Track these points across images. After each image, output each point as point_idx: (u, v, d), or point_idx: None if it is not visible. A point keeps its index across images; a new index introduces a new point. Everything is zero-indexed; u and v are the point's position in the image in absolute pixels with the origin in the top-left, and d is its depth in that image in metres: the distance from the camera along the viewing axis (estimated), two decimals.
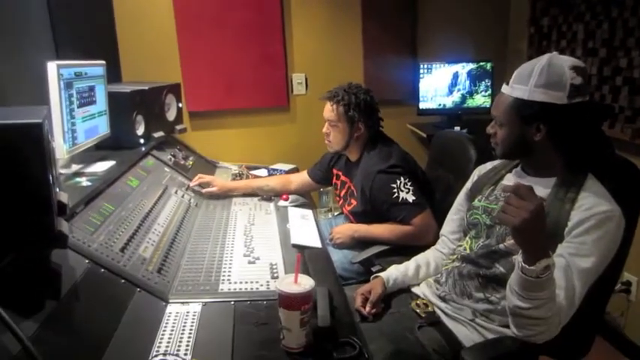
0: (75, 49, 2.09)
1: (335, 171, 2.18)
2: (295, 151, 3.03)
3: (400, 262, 1.62)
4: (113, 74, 2.37)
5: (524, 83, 1.24)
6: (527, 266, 1.04)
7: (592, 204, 1.17)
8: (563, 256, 1.15)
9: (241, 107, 3.04)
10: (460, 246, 1.48)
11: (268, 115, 3.11)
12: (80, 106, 1.71)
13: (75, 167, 1.74)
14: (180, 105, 2.63)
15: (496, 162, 1.52)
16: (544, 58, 1.24)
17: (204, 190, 2.12)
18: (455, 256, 1.47)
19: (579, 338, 1.32)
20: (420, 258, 1.61)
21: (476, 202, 1.46)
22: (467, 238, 1.45)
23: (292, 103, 3.12)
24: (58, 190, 1.11)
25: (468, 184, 1.57)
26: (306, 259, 1.56)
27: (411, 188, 1.85)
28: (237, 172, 2.54)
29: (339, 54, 3.09)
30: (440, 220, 1.81)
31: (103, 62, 1.93)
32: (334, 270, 1.58)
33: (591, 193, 1.21)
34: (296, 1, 2.99)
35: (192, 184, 2.14)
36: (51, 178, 0.95)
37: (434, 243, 1.67)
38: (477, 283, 1.34)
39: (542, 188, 1.26)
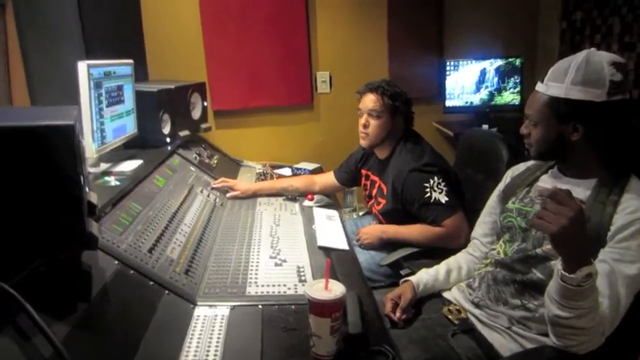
0: (103, 48, 2.10)
1: (364, 171, 2.14)
2: (319, 150, 3.01)
3: (430, 266, 1.57)
4: (140, 73, 2.38)
5: (561, 80, 1.19)
6: (567, 274, 0.99)
7: (637, 206, 1.12)
8: (607, 261, 1.10)
9: (265, 105, 3.03)
10: (493, 250, 1.43)
11: (292, 114, 3.10)
12: (109, 105, 1.72)
13: (103, 166, 1.75)
14: (205, 104, 2.63)
15: (530, 163, 1.46)
16: (581, 55, 1.19)
17: (228, 195, 2.11)
18: (488, 261, 1.42)
19: (624, 349, 1.26)
20: (450, 261, 1.56)
21: (509, 205, 1.41)
22: (500, 242, 1.40)
23: (316, 102, 3.10)
24: (87, 189, 1.11)
25: (501, 186, 1.52)
26: (333, 261, 1.53)
27: (444, 189, 1.80)
28: (261, 171, 2.53)
29: (364, 52, 3.05)
30: (470, 222, 1.76)
31: (131, 61, 1.94)
32: (362, 273, 1.55)
33: (635, 194, 1.15)
34: None
35: (214, 184, 2.14)
36: (82, 178, 0.95)
37: (465, 246, 1.62)
38: (512, 289, 1.29)
39: (582, 190, 1.21)
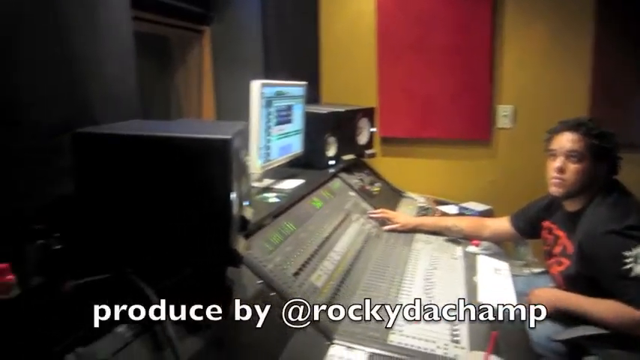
0: (282, 71, 2.22)
1: (547, 224, 1.80)
2: (492, 190, 2.71)
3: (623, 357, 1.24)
4: (312, 95, 2.46)
5: None
6: None
7: None
8: None
9: (436, 137, 2.87)
10: None
11: (465, 148, 2.86)
12: (277, 123, 1.77)
13: (266, 182, 1.80)
14: (372, 129, 2.58)
15: None
16: None
17: (385, 228, 1.98)
18: None
19: None
20: None
21: None
22: None
23: (495, 137, 2.81)
24: (245, 203, 1.10)
25: None
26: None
27: None
28: (423, 205, 2.37)
29: (557, 86, 2.66)
30: None
31: (304, 83, 1.99)
32: (533, 350, 1.26)
33: None
34: (510, 25, 2.69)
35: (372, 214, 2.03)
36: (236, 194, 0.92)
37: None
38: None
39: None
